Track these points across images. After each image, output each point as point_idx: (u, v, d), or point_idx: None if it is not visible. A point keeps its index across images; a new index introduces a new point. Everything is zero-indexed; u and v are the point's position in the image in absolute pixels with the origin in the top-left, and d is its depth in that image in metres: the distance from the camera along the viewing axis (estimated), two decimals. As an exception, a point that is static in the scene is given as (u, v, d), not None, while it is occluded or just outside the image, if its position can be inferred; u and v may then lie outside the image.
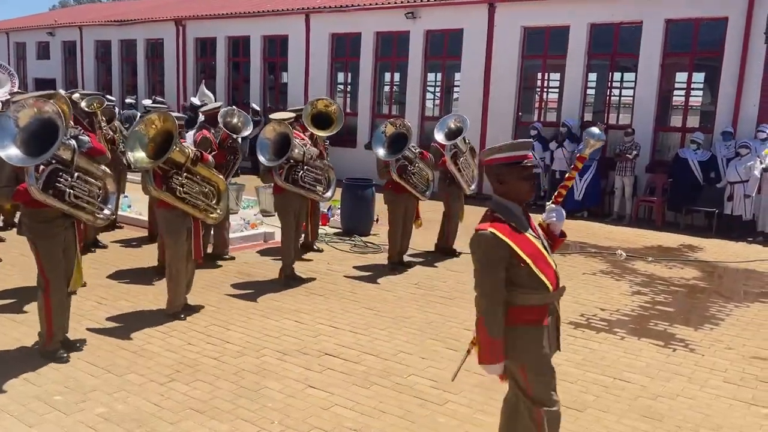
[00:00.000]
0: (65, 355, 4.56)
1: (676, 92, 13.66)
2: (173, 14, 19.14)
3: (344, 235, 9.01)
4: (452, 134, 7.65)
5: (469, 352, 3.31)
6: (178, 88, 18.34)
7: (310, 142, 7.04)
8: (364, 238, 8.79)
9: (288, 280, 6.64)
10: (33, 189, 4.16)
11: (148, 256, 7.42)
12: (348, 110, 15.96)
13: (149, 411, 3.93)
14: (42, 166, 4.21)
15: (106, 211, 4.64)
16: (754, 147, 9.91)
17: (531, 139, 3.14)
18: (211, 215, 5.56)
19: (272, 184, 6.64)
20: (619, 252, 8.53)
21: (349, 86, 16.66)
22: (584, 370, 4.83)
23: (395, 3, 14.19)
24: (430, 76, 15.55)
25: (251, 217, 9.38)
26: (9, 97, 7.41)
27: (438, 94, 16.43)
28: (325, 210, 9.77)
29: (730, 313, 6.36)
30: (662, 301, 6.69)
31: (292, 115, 7.23)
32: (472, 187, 8.16)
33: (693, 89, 12.79)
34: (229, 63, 17.75)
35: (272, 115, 7.19)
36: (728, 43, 10.62)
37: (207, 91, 10.59)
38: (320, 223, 8.46)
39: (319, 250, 8.10)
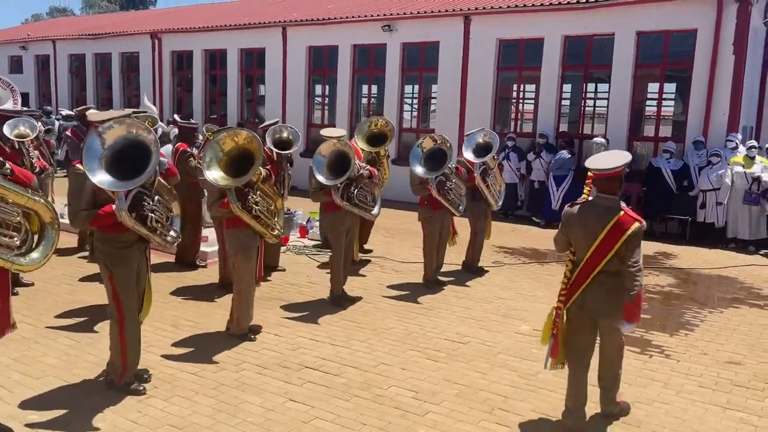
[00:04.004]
0: (141, 387, 4.36)
1: (648, 102, 13.93)
2: (149, 27, 19.05)
3: (324, 248, 8.98)
4: (481, 150, 7.49)
5: (554, 335, 4.14)
6: (154, 102, 18.16)
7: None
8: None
9: (338, 299, 6.50)
10: (124, 214, 3.98)
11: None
12: (326, 122, 16.00)
13: (126, 428, 3.87)
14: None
15: (173, 233, 4.44)
16: (725, 155, 10.12)
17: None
18: (273, 233, 5.47)
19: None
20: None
21: (326, 98, 16.70)
22: (564, 377, 4.85)
23: (372, 16, 14.28)
24: (408, 88, 15.65)
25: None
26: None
27: (416, 106, 16.53)
28: (304, 222, 9.76)
29: (705, 319, 6.47)
30: (638, 308, 6.77)
31: (344, 132, 7.15)
32: (500, 203, 8.02)
33: (665, 99, 13.04)
34: (206, 76, 17.69)
35: (323, 132, 7.18)
36: (698, 55, 10.86)
37: (148, 103, 10.48)
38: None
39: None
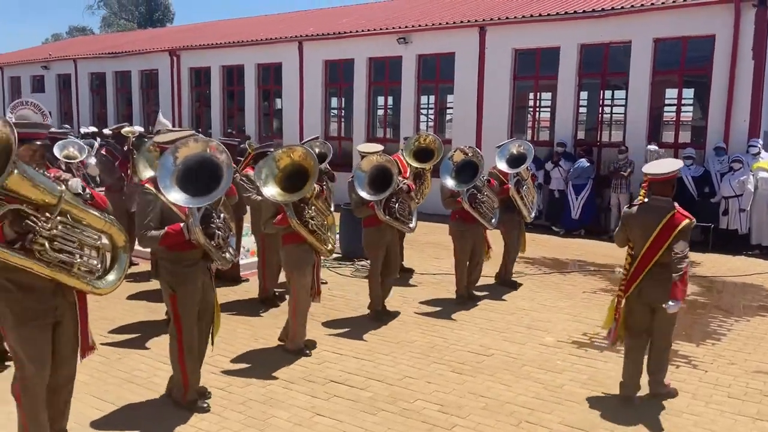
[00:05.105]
0: (206, 404, 4.38)
1: (666, 108, 13.86)
2: (167, 45, 19.35)
3: (344, 260, 9.04)
4: (514, 160, 7.33)
5: (616, 320, 4.72)
6: (173, 118, 18.43)
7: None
8: (365, 262, 8.79)
9: (379, 314, 6.49)
10: (198, 230, 4.02)
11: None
12: (342, 134, 16.13)
13: (158, 444, 3.92)
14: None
15: (231, 251, 4.42)
16: (746, 161, 10.03)
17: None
18: (327, 247, 5.49)
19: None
20: (617, 270, 8.57)
21: (343, 111, 16.83)
22: (590, 389, 4.85)
23: (387, 29, 14.39)
24: (423, 99, 15.72)
25: (251, 244, 9.38)
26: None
27: (432, 116, 16.59)
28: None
29: (731, 328, 6.40)
30: (663, 317, 6.72)
31: (381, 147, 7.09)
32: (533, 214, 7.84)
33: (683, 105, 12.97)
34: (223, 91, 17.92)
35: (359, 148, 7.21)
36: (716, 61, 10.79)
37: (164, 120, 10.54)
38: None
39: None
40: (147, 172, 5.83)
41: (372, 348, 5.67)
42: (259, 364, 5.22)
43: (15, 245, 3.07)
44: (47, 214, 3.12)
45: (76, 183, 3.35)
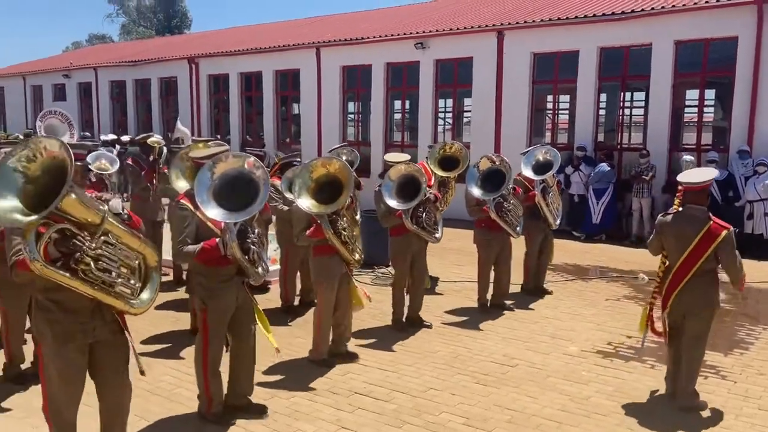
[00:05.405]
0: (230, 418, 4.38)
1: (687, 109, 13.70)
2: (186, 52, 19.53)
3: (364, 267, 9.01)
4: (540, 167, 7.27)
5: (648, 326, 5.02)
6: (192, 125, 18.60)
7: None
8: (385, 270, 8.79)
9: (402, 324, 6.48)
10: (234, 245, 4.03)
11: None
12: (360, 139, 16.16)
13: (185, 458, 3.94)
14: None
15: (264, 266, 4.35)
16: (771, 165, 9.88)
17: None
18: (356, 258, 5.49)
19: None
20: (641, 276, 8.49)
21: (360, 116, 16.88)
22: (616, 401, 4.80)
23: (405, 34, 14.39)
24: (441, 103, 15.69)
25: (271, 251, 9.40)
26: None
27: (450, 120, 16.57)
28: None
29: (760, 337, 6.30)
30: (689, 325, 6.62)
31: (408, 156, 7.05)
32: (558, 221, 7.76)
33: (705, 106, 12.81)
34: (242, 98, 18.04)
35: (386, 157, 7.22)
36: (739, 62, 10.65)
37: (182, 127, 10.53)
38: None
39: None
40: (180, 182, 5.88)
41: (395, 359, 5.65)
42: (284, 376, 5.23)
43: (56, 264, 3.10)
44: (87, 234, 3.15)
45: (116, 203, 3.39)
